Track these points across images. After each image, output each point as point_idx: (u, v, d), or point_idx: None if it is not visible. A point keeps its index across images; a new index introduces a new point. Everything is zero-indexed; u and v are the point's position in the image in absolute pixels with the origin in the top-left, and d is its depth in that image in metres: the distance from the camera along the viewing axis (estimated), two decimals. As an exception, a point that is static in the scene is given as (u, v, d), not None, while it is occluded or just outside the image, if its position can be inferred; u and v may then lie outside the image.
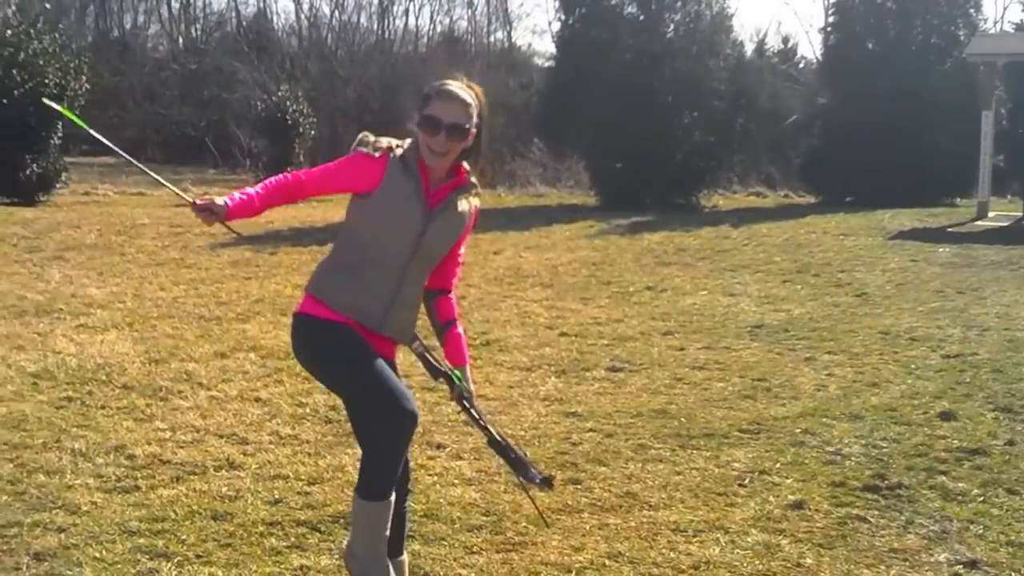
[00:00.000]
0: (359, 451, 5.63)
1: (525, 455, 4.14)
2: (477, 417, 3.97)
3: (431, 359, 3.93)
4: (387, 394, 3.50)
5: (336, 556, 4.42)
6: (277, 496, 5.07)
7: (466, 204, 3.69)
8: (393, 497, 3.64)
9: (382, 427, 3.54)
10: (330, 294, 3.61)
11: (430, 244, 3.62)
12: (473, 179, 3.73)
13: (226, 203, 3.53)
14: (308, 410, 6.57)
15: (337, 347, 3.56)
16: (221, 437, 6.01)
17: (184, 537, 4.59)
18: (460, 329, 3.96)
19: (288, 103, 22.72)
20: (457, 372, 3.91)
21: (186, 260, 12.94)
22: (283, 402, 6.72)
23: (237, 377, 7.34)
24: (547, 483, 4.05)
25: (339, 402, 6.61)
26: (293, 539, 4.60)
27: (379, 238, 3.57)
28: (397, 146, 3.61)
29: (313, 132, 23.48)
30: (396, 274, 3.62)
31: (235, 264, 12.71)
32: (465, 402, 3.94)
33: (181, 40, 44.59)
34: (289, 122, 22.46)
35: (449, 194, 3.64)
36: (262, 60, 34.24)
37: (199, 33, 45.12)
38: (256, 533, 4.65)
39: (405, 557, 4.02)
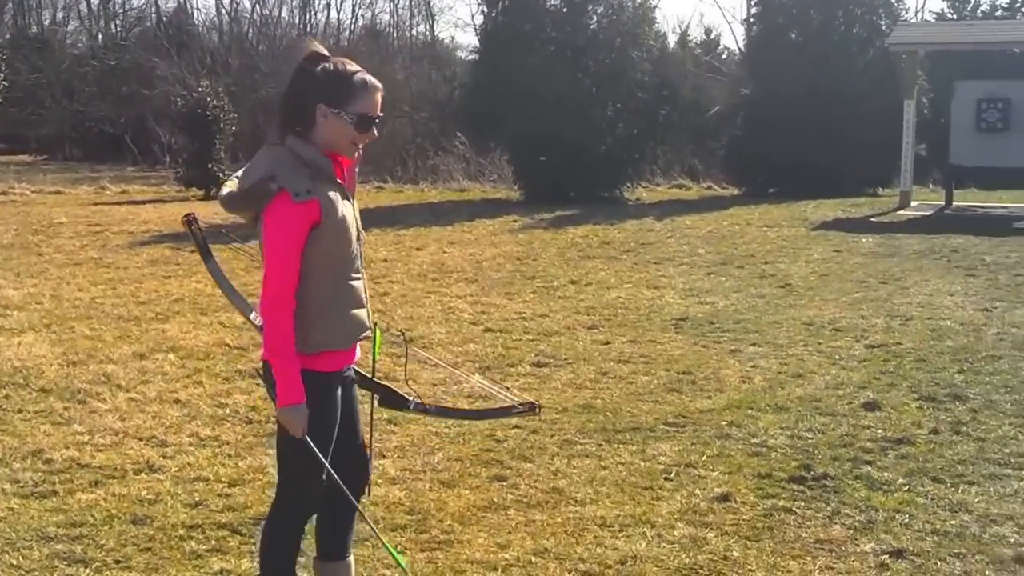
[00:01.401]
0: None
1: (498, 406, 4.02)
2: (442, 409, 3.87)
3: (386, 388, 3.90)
4: (314, 493, 3.53)
5: (257, 559, 4.32)
6: (197, 499, 5.00)
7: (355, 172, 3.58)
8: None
9: (296, 524, 3.61)
10: (336, 338, 3.42)
11: (361, 227, 3.54)
12: None
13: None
14: (228, 411, 6.46)
15: (326, 428, 3.46)
16: (140, 440, 5.89)
17: (103, 542, 4.50)
18: None
19: (209, 99, 22.35)
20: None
21: (104, 259, 12.64)
22: (203, 403, 6.60)
23: (156, 378, 7.20)
24: (532, 409, 4.00)
25: (260, 403, 6.57)
26: (214, 542, 4.53)
27: (341, 254, 3.39)
28: (304, 167, 3.30)
29: (234, 128, 23.11)
30: (360, 268, 3.51)
31: (154, 263, 12.45)
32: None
33: (100, 36, 43.71)
34: (210, 118, 22.10)
35: (349, 170, 3.49)
36: (182, 56, 33.66)
37: (118, 29, 44.28)
38: (176, 537, 4.57)
39: (351, 559, 3.87)
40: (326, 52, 3.38)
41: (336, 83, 3.32)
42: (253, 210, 3.32)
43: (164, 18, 40.75)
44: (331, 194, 3.32)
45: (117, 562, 4.32)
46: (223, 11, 41.99)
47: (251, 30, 40.29)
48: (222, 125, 22.26)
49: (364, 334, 3.52)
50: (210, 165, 21.95)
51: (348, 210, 3.40)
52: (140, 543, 4.49)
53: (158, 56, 33.50)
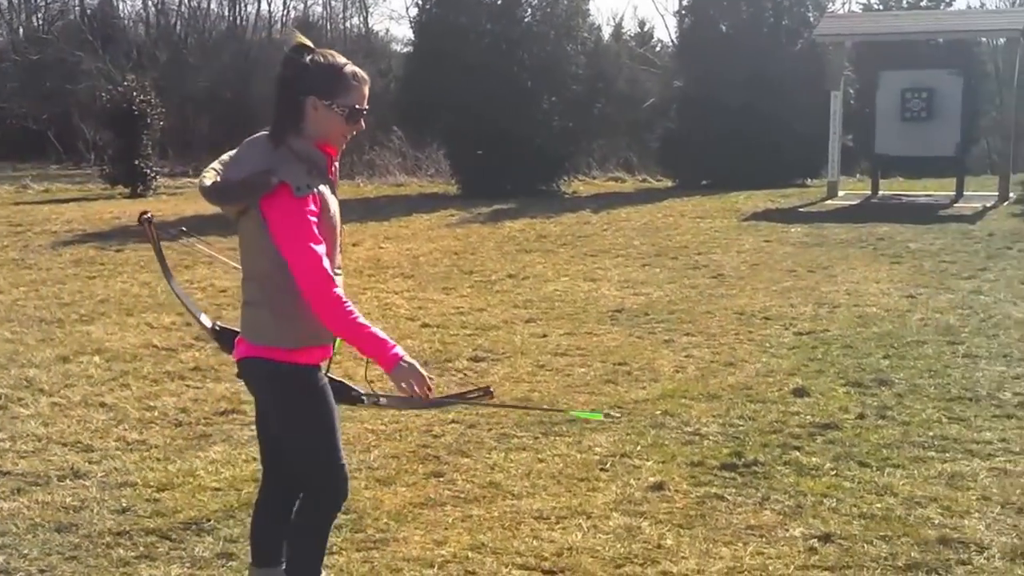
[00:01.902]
0: (211, 455, 5.54)
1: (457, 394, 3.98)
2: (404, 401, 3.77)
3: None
4: (340, 472, 3.56)
5: (187, 565, 4.27)
6: (125, 504, 4.92)
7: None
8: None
9: (333, 509, 3.67)
10: (316, 333, 3.40)
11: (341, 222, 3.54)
12: None
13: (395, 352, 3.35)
14: (156, 414, 6.36)
15: (326, 414, 3.51)
16: (65, 445, 5.78)
17: (26, 551, 4.42)
18: None
19: (135, 93, 21.92)
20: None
21: (26, 260, 12.42)
22: (130, 406, 6.49)
23: (81, 382, 7.06)
24: (488, 393, 3.93)
25: (189, 404, 6.48)
26: (142, 548, 4.46)
27: (330, 248, 3.37)
28: (304, 162, 3.32)
29: (162, 123, 22.72)
30: (339, 264, 3.49)
31: (78, 263, 12.23)
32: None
33: (21, 30, 42.76)
34: (136, 113, 21.67)
35: (334, 168, 3.50)
36: (107, 49, 33.03)
37: (40, 23, 43.32)
38: (102, 544, 4.50)
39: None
40: (311, 44, 3.37)
41: (327, 75, 3.31)
42: (246, 202, 3.30)
43: (88, 11, 39.97)
44: (324, 189, 3.34)
45: (41, 571, 4.24)
46: (150, 4, 41.38)
47: (179, 23, 39.70)
48: (149, 120, 21.86)
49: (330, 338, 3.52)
50: (137, 162, 21.54)
51: (336, 205, 3.42)
52: (65, 551, 4.41)
53: (82, 50, 32.82)
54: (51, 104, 33.39)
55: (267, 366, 3.43)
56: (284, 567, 3.72)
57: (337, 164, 3.51)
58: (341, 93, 3.31)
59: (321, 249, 3.27)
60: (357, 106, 3.34)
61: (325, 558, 4.13)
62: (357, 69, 3.38)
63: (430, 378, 3.42)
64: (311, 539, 3.66)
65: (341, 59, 3.37)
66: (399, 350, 3.35)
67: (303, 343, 3.39)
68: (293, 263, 3.26)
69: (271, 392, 3.51)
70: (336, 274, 3.40)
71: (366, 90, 3.40)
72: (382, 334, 3.36)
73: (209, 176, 3.41)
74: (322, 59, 3.32)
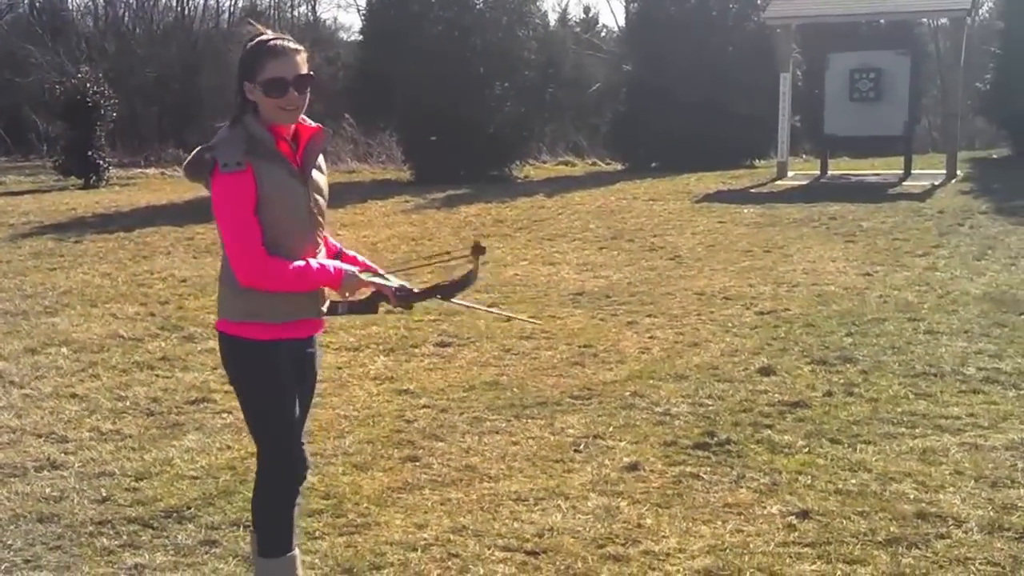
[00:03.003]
0: (186, 443, 5.54)
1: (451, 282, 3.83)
2: (426, 293, 3.72)
3: (356, 302, 3.77)
4: (286, 453, 3.60)
5: (171, 553, 4.27)
6: (104, 494, 4.91)
7: (320, 151, 3.59)
8: (297, 552, 3.70)
9: (277, 486, 3.63)
10: (268, 310, 3.45)
11: (319, 206, 3.55)
12: (311, 122, 3.57)
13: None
14: (128, 403, 6.34)
15: (265, 389, 3.54)
16: (39, 436, 5.75)
17: (10, 542, 4.41)
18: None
19: (88, 85, 21.68)
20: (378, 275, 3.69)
21: (-16, 253, 12.23)
22: (101, 396, 6.46)
23: (51, 373, 7.02)
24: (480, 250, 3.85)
25: (160, 394, 6.46)
26: (125, 537, 4.46)
27: (286, 230, 3.41)
28: (244, 141, 3.37)
29: (115, 114, 22.47)
30: (311, 250, 3.51)
31: (38, 255, 12.09)
32: (404, 295, 3.70)
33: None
34: (90, 104, 21.46)
35: (307, 149, 3.51)
36: (57, 42, 32.48)
37: (-10, 17, 42.44)
38: (85, 533, 4.49)
39: (296, 552, 3.77)
40: (261, 28, 3.45)
41: (247, 59, 3.40)
42: (199, 180, 3.41)
43: (37, 4, 39.22)
44: (269, 167, 3.35)
45: (27, 561, 4.24)
46: (98, -5, 40.63)
47: (127, 14, 39.06)
48: (103, 112, 21.65)
49: (309, 314, 3.54)
50: (90, 153, 21.36)
51: (294, 185, 3.42)
52: (49, 541, 4.41)
53: (31, 43, 32.24)
54: (0, 97, 32.78)
55: (221, 337, 3.56)
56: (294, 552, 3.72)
57: (320, 147, 3.53)
58: (258, 71, 3.36)
59: (251, 228, 3.32)
60: (275, 77, 3.35)
61: (308, 543, 4.18)
62: (276, 41, 3.40)
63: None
64: (262, 518, 3.66)
65: (259, 38, 3.42)
66: (340, 266, 3.49)
67: (242, 317, 3.46)
68: (225, 239, 3.38)
69: (224, 363, 3.62)
70: (302, 256, 3.43)
71: (295, 59, 3.39)
72: (326, 263, 3.46)
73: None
74: (245, 45, 3.43)
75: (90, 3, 40.76)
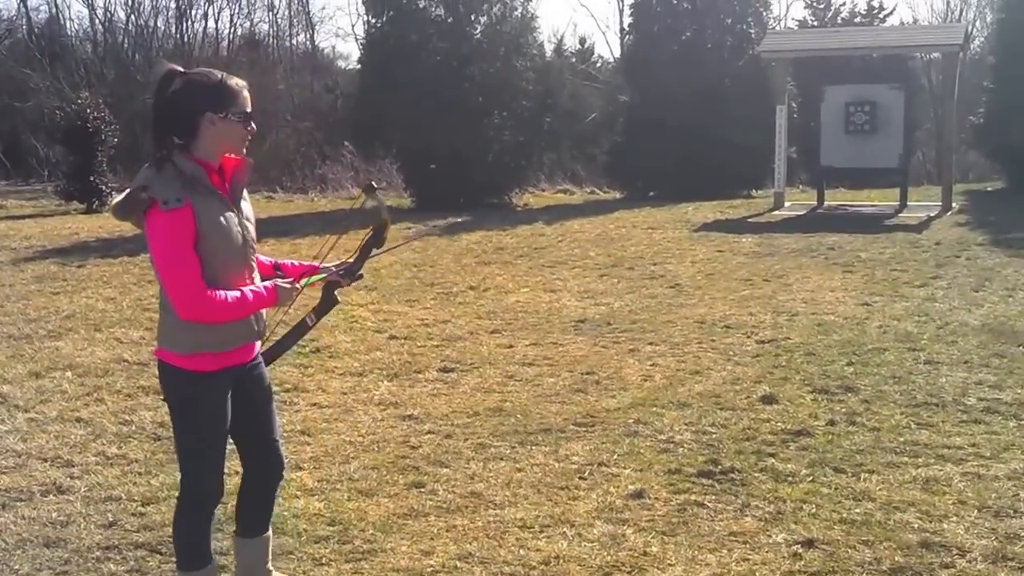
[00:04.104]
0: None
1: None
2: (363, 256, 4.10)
3: (319, 307, 4.12)
4: (209, 483, 3.80)
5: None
6: (111, 519, 4.91)
7: (246, 181, 3.76)
8: (216, 560, 3.94)
9: (197, 511, 3.86)
10: (210, 341, 3.60)
11: (250, 233, 3.71)
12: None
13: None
14: (134, 428, 6.34)
15: (204, 423, 3.70)
16: (45, 461, 5.75)
17: (17, 567, 4.41)
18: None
19: (89, 110, 21.78)
20: (319, 275, 4.04)
21: (-13, 277, 12.25)
22: (107, 421, 6.46)
23: (56, 397, 7.02)
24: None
25: (166, 418, 6.40)
26: (132, 563, 4.47)
27: (223, 260, 3.56)
28: (177, 178, 3.47)
29: (116, 139, 22.55)
30: (248, 276, 3.70)
31: (41, 279, 12.11)
32: (348, 270, 4.08)
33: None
34: (91, 130, 21.55)
35: (233, 180, 3.67)
36: (55, 67, 32.63)
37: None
38: (92, 559, 4.50)
39: (270, 533, 4.15)
40: (181, 68, 3.60)
41: (216, 91, 3.54)
42: (132, 218, 3.51)
43: (36, 29, 39.40)
44: (206, 202, 3.49)
45: (34, 586, 4.25)
46: (97, 21, 40.86)
47: (126, 40, 39.25)
48: (103, 137, 21.74)
49: (251, 338, 3.74)
50: (92, 178, 21.45)
51: (230, 218, 3.57)
52: (55, 567, 4.40)
53: (30, 68, 32.40)
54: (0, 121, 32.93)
55: (161, 365, 3.69)
56: (267, 533, 4.11)
57: (245, 179, 3.71)
58: (231, 102, 3.53)
59: (190, 265, 3.44)
60: (248, 110, 3.59)
61: (314, 569, 4.21)
62: (235, 79, 3.62)
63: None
64: (181, 538, 3.87)
65: (218, 73, 3.62)
66: (269, 285, 3.68)
67: (189, 349, 3.59)
68: (163, 277, 3.48)
69: (164, 390, 3.76)
70: (242, 284, 3.63)
71: (247, 94, 3.61)
72: (259, 288, 3.65)
73: (117, 196, 3.63)
74: (204, 78, 3.56)
75: (89, 29, 41.01)
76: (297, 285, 3.82)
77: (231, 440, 3.87)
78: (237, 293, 3.55)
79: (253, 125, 3.63)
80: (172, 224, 3.39)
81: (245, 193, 3.75)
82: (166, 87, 3.51)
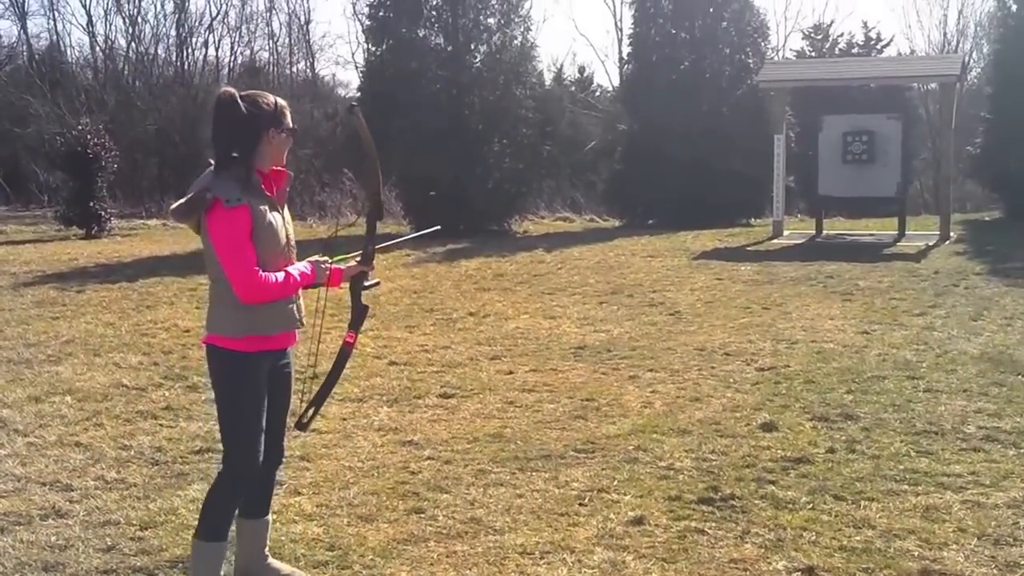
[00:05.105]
0: (191, 493, 5.55)
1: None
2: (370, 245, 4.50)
3: (357, 314, 4.54)
4: (252, 455, 4.17)
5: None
6: (109, 543, 4.89)
7: (287, 189, 4.29)
8: (228, 540, 4.25)
9: (237, 483, 4.21)
10: (258, 324, 4.09)
11: (292, 233, 4.26)
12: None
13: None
14: (133, 452, 6.33)
15: (246, 398, 4.14)
16: (44, 485, 5.74)
17: (14, 592, 4.38)
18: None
19: (89, 137, 21.88)
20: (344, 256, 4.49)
21: (-13, 302, 12.25)
22: (105, 445, 6.46)
23: (55, 422, 7.02)
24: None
25: (165, 443, 6.49)
26: (131, 587, 4.44)
27: (274, 255, 4.09)
28: (237, 182, 3.98)
29: (116, 165, 22.64)
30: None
31: (40, 304, 12.13)
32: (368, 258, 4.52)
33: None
34: (90, 156, 21.64)
35: (284, 186, 4.22)
36: (56, 93, 32.78)
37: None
38: (91, 583, 4.47)
39: (269, 517, 4.52)
40: (238, 92, 4.09)
41: (276, 112, 4.11)
42: (194, 217, 4.01)
43: (37, 55, 39.56)
44: (260, 204, 4.02)
45: (33, 610, 4.24)
46: (97, 48, 41.05)
47: (127, 67, 39.43)
48: (103, 163, 21.83)
49: (292, 326, 4.25)
50: (91, 204, 21.51)
51: (277, 219, 4.12)
52: (54, 590, 4.41)
53: (31, 94, 32.54)
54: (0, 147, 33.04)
55: (212, 350, 4.15)
56: (267, 517, 4.48)
57: (286, 184, 4.23)
58: (284, 120, 4.13)
59: (249, 253, 3.96)
60: (293, 125, 4.21)
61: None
62: (280, 98, 4.20)
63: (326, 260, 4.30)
64: (213, 506, 4.20)
65: (271, 95, 4.16)
66: (307, 267, 4.20)
67: (243, 332, 4.06)
68: (225, 265, 3.97)
69: (212, 371, 4.19)
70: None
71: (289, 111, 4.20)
72: (301, 268, 4.18)
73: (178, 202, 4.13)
74: (266, 101, 4.10)
75: (89, 56, 41.17)
76: (330, 261, 4.31)
77: None
78: (281, 274, 4.07)
79: (293, 138, 4.21)
80: (234, 219, 3.93)
81: (288, 192, 4.27)
82: (231, 107, 4.00)
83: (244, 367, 4.10)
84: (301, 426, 4.50)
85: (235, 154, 3.99)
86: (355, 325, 4.54)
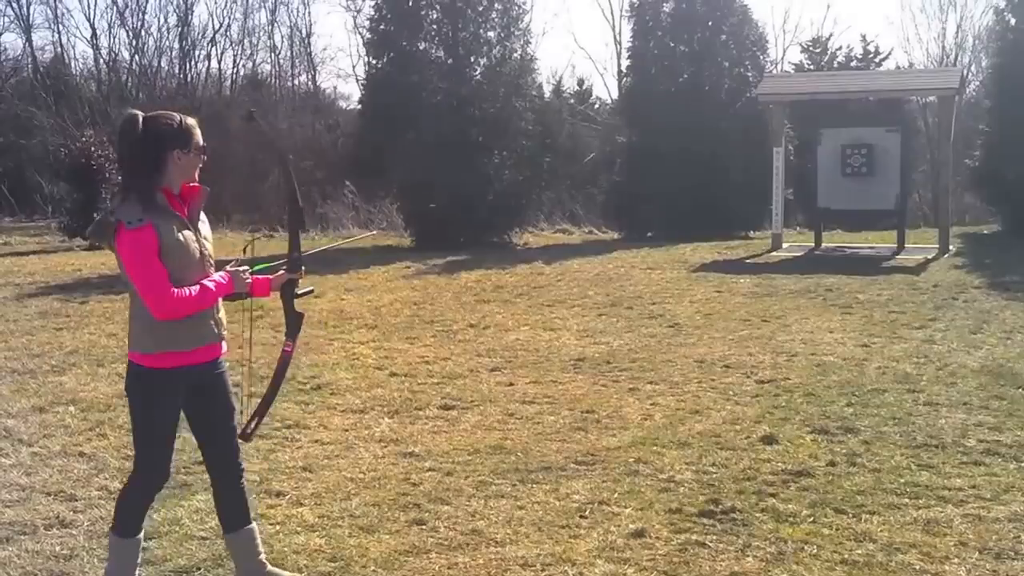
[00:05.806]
0: (195, 503, 5.57)
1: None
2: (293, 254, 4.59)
3: (291, 323, 4.61)
4: (158, 468, 4.32)
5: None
6: (113, 554, 4.89)
7: (202, 205, 4.32)
8: (141, 535, 4.40)
9: (142, 491, 4.38)
10: (178, 338, 4.14)
11: (207, 249, 4.27)
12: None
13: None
14: (136, 463, 6.33)
15: (157, 414, 4.24)
16: (48, 494, 5.78)
17: (19, 601, 4.39)
18: None
19: (93, 148, 21.95)
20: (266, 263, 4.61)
21: (-9, 312, 12.28)
22: (109, 456, 6.49)
23: (59, 432, 7.06)
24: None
25: (170, 454, 6.47)
26: (135, 598, 4.44)
27: (189, 271, 4.12)
28: (139, 203, 4.03)
29: (119, 177, 22.70)
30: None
31: (44, 315, 12.17)
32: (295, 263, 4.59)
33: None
34: (94, 167, 21.71)
35: (191, 204, 4.24)
36: (61, 106, 32.88)
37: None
38: (95, 593, 4.48)
39: (254, 525, 4.56)
40: (143, 113, 4.17)
41: (180, 132, 4.15)
42: (104, 241, 4.12)
43: (41, 68, 39.68)
44: (165, 222, 4.06)
45: (37, 620, 4.25)
46: (101, 61, 41.17)
47: (130, 80, 39.54)
48: (107, 175, 21.90)
49: (212, 340, 4.27)
50: (95, 215, 21.48)
51: (188, 235, 4.15)
52: (59, 600, 4.43)
53: (35, 106, 32.66)
54: (4, 159, 33.11)
55: (129, 365, 4.26)
56: (251, 525, 4.53)
57: (200, 200, 4.27)
58: (192, 139, 4.16)
59: (158, 271, 4.01)
60: (202, 143, 4.21)
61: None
62: (189, 118, 4.23)
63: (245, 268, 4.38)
64: (123, 507, 4.36)
65: (176, 115, 4.21)
66: (224, 276, 4.27)
67: (155, 349, 4.13)
68: (136, 284, 4.05)
69: (127, 386, 4.31)
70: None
71: (199, 130, 4.22)
72: (217, 279, 4.23)
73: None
74: (169, 121, 4.14)
75: (93, 68, 41.28)
76: (250, 270, 4.39)
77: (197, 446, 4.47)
78: (196, 287, 4.11)
79: (205, 156, 4.22)
80: (138, 240, 3.98)
81: (203, 216, 4.32)
82: (132, 130, 4.07)
83: (158, 384, 4.17)
84: (245, 436, 4.53)
85: (137, 176, 4.07)
86: (291, 334, 4.60)
